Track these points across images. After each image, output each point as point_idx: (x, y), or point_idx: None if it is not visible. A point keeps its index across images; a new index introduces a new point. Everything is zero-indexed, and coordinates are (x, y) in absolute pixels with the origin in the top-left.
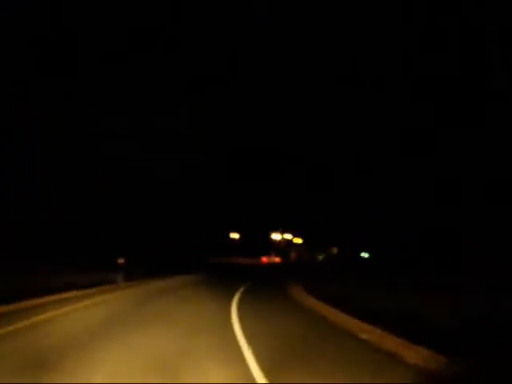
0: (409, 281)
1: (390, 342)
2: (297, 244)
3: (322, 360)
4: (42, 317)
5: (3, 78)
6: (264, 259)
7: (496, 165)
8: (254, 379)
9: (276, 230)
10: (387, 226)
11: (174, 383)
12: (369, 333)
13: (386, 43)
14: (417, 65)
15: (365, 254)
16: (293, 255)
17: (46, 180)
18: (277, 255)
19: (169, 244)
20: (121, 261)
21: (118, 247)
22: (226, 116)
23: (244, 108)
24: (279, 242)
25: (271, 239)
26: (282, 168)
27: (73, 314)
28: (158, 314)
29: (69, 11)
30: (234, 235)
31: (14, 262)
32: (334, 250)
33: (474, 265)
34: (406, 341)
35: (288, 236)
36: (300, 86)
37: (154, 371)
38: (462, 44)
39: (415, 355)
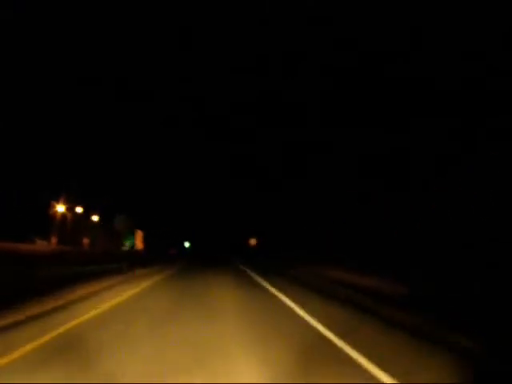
0: None
1: None
2: (95, 224)
3: None
4: None
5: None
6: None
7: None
8: None
9: (58, 199)
10: None
11: None
12: None
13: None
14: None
15: (186, 243)
16: (85, 241)
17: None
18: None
19: None
20: None
21: None
22: None
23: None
24: (64, 216)
25: (55, 212)
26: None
27: None
28: None
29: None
30: None
31: None
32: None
33: None
34: None
35: (79, 209)
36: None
37: None
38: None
39: None
